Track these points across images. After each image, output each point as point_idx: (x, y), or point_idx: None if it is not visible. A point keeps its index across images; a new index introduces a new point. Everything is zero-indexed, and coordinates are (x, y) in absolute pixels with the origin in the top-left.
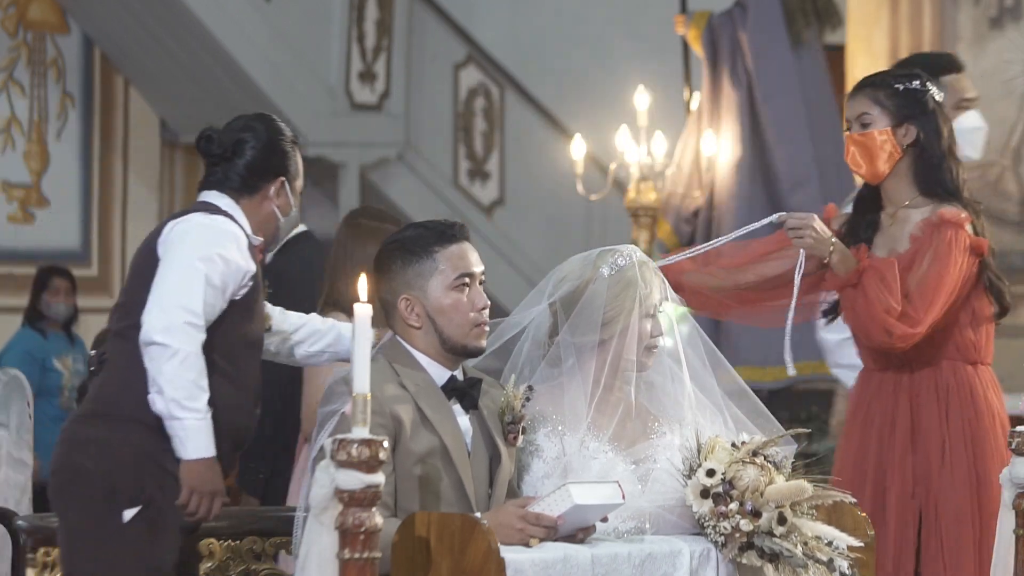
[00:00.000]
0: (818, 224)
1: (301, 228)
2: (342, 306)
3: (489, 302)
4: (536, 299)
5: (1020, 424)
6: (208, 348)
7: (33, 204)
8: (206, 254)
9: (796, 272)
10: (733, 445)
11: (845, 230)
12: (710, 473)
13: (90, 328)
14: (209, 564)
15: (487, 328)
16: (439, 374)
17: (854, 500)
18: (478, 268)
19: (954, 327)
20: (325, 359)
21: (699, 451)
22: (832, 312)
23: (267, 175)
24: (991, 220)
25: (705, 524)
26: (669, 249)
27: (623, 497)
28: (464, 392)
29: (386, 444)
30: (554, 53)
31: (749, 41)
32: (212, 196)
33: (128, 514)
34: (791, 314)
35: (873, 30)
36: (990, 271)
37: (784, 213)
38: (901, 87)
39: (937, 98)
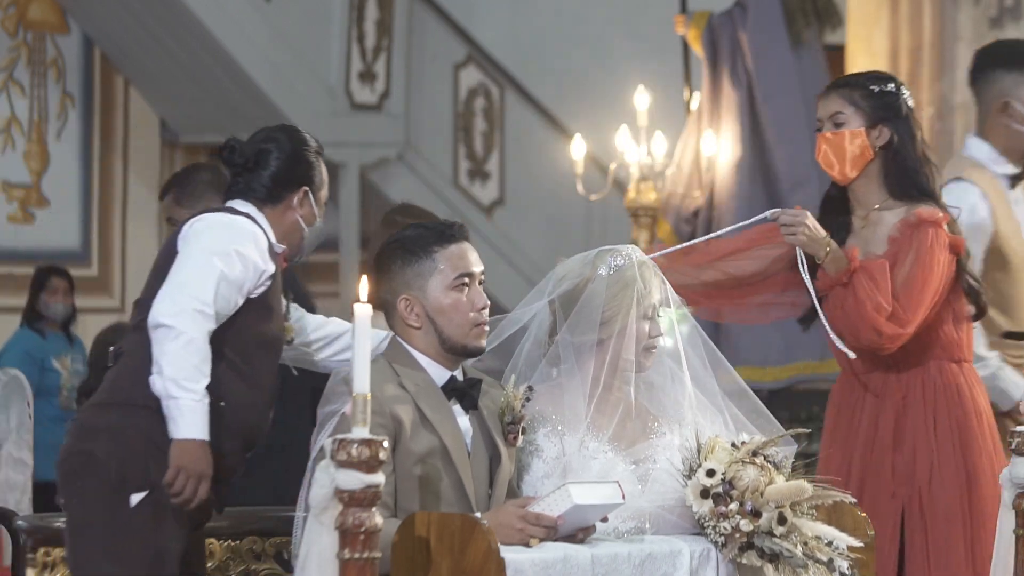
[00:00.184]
0: (811, 221)
1: None
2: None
3: (489, 302)
4: (536, 298)
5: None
6: (222, 344)
7: (33, 204)
8: (223, 249)
9: (800, 268)
10: (733, 445)
11: None
12: (710, 473)
13: (89, 328)
14: (209, 564)
15: (487, 328)
16: (439, 374)
17: (854, 500)
18: (478, 268)
19: (939, 326)
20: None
21: (699, 451)
22: (807, 321)
23: (291, 185)
24: None
25: (705, 524)
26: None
27: (623, 497)
28: (464, 392)
29: (386, 444)
30: (554, 53)
31: (749, 41)
32: (236, 204)
33: (135, 499)
34: (819, 309)
35: (873, 30)
36: (967, 272)
37: (777, 210)
38: (877, 89)
39: (910, 103)
